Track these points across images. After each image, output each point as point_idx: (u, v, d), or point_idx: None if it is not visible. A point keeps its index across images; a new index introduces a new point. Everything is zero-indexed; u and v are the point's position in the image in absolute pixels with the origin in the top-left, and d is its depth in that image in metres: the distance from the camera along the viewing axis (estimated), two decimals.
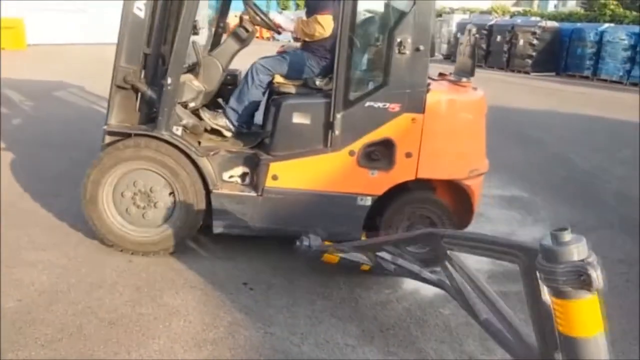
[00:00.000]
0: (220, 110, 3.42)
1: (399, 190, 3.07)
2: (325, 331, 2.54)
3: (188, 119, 3.08)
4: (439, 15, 24.10)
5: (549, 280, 1.34)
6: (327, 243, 2.92)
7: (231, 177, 3.13)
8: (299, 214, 3.05)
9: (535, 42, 16.83)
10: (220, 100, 3.62)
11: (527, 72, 16.84)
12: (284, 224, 3.08)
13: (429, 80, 3.07)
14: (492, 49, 18.27)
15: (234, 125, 3.34)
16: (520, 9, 24.21)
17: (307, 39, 3.33)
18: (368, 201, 3.01)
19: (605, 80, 15.44)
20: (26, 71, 10.16)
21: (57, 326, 2.41)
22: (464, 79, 3.23)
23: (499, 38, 17.90)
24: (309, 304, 2.77)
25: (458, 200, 3.20)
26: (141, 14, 2.93)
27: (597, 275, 1.26)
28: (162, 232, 3.07)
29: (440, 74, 3.44)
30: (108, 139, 3.06)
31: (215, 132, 3.34)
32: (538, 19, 18.58)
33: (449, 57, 21.17)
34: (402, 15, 2.84)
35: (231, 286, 2.88)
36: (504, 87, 13.67)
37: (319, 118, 2.95)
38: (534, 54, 16.89)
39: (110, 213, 3.05)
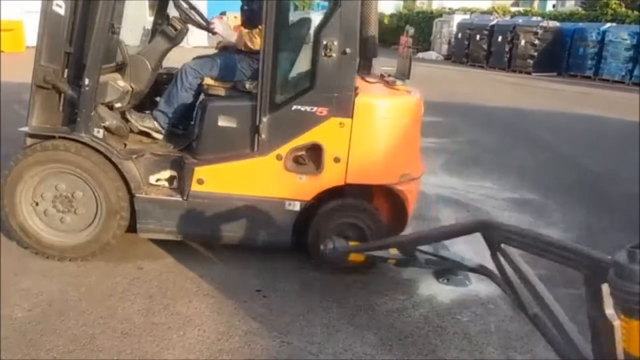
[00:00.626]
0: (148, 112, 3.32)
1: (331, 196, 3.01)
2: (343, 340, 2.48)
3: (111, 120, 2.98)
4: (439, 15, 24.12)
5: (622, 299, 1.28)
6: (352, 243, 2.88)
7: (158, 180, 3.06)
8: (226, 219, 2.99)
9: (536, 42, 16.81)
10: (158, 99, 3.48)
11: (528, 73, 16.81)
12: (211, 229, 3.02)
13: (363, 83, 3.02)
14: (494, 49, 18.26)
15: (163, 127, 3.24)
16: (520, 9, 24.15)
17: (248, 50, 3.23)
18: (297, 206, 2.95)
19: (608, 80, 15.42)
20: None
21: (69, 337, 2.35)
22: (399, 82, 3.17)
23: (500, 38, 17.89)
24: (324, 311, 2.71)
25: (393, 205, 3.14)
26: (61, 11, 2.83)
27: None
28: (83, 237, 2.99)
29: (381, 76, 3.36)
30: (30, 140, 2.96)
31: (146, 133, 3.24)
32: (539, 18, 18.53)
33: (449, 57, 21.21)
34: (327, 17, 2.79)
35: (244, 294, 2.82)
36: (506, 88, 13.64)
37: (245, 121, 2.89)
38: (535, 54, 16.87)
39: (29, 217, 2.96)
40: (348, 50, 2.77)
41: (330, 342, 2.46)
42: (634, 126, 8.71)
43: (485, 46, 18.61)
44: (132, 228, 3.06)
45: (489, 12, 23.09)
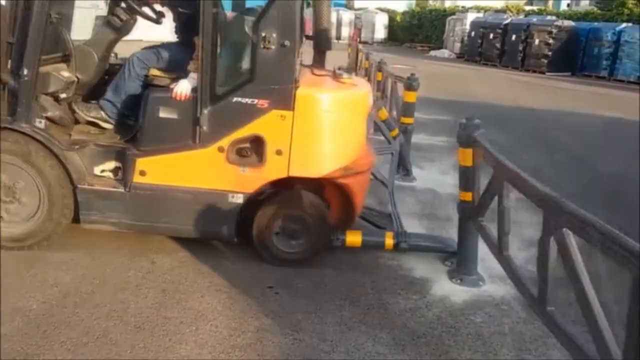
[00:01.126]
0: (94, 102, 3.29)
1: (277, 188, 3.02)
2: (356, 339, 2.46)
3: (54, 111, 2.97)
4: (452, 13, 23.96)
5: None
6: None
7: (103, 171, 3.05)
8: (168, 211, 2.98)
9: (551, 41, 16.68)
10: None
11: (542, 72, 16.68)
12: (154, 220, 3.01)
13: (309, 76, 3.02)
14: (507, 48, 18.16)
15: (110, 117, 3.21)
16: (534, 7, 23.94)
17: None
18: (240, 198, 2.94)
19: (623, 81, 15.26)
20: None
21: (83, 330, 2.36)
22: (346, 75, 3.14)
23: (514, 37, 17.77)
24: (337, 309, 2.70)
25: (343, 199, 3.15)
26: (2, 1, 2.82)
27: None
28: (27, 228, 2.98)
29: (334, 72, 3.29)
30: None
31: (94, 124, 3.22)
32: (554, 18, 18.35)
33: (462, 56, 21.08)
34: (265, 9, 2.78)
35: (256, 290, 2.82)
36: (520, 87, 13.52)
37: (187, 113, 2.88)
38: (549, 53, 16.74)
39: None
40: (287, 42, 2.76)
41: (342, 340, 2.45)
42: None
43: (498, 45, 18.50)
44: None
45: (503, 11, 22.90)
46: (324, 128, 2.95)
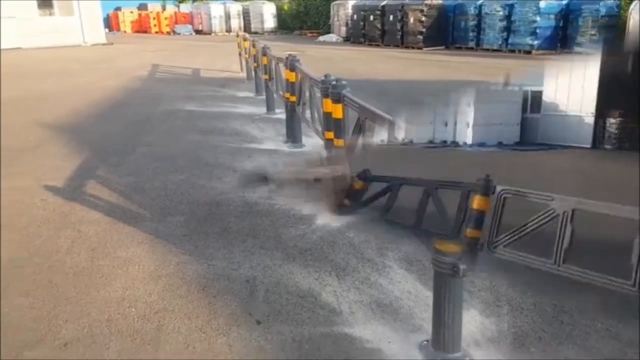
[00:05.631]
0: None
1: None
2: (257, 258, 3.17)
3: None
4: None
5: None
6: None
7: None
8: None
9: (424, 19, 18.32)
10: None
11: (420, 48, 18.30)
12: None
13: None
14: (387, 28, 19.61)
15: None
16: None
17: None
18: None
19: (488, 50, 17.22)
20: None
21: (30, 282, 2.84)
22: None
23: (391, 17, 19.24)
24: (241, 242, 3.39)
25: None
26: None
27: None
28: None
29: None
30: None
31: None
32: None
33: (348, 38, 22.34)
34: None
35: (173, 239, 3.42)
36: (400, 63, 14.87)
37: None
38: (424, 30, 18.39)
39: None
40: None
41: (246, 260, 3.14)
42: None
43: (379, 26, 19.92)
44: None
45: None
46: None
